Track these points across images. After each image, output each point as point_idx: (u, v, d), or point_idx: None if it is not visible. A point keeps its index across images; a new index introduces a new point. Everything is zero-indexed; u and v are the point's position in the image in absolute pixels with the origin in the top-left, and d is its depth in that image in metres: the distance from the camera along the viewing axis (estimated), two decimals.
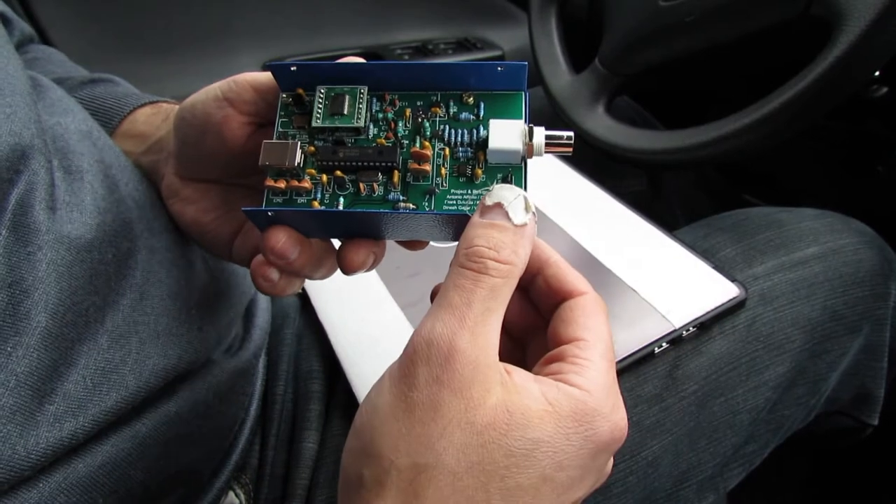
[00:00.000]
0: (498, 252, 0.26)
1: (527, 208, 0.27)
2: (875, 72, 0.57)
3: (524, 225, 0.27)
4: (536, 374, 0.27)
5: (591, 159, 0.67)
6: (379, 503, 0.24)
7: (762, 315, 0.50)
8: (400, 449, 0.24)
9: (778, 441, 0.55)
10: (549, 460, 0.25)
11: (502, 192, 0.27)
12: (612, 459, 0.30)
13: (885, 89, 0.63)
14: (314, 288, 0.56)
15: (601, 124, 0.66)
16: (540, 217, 0.59)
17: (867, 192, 0.77)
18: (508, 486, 0.24)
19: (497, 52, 1.07)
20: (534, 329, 0.33)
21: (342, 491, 0.27)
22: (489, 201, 0.27)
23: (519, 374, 0.26)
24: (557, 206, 0.61)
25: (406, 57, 1.04)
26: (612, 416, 0.26)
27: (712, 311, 0.48)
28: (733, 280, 0.50)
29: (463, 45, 1.08)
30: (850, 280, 0.54)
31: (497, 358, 0.26)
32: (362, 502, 0.25)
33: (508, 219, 0.27)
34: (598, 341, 0.28)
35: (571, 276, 0.31)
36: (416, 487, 0.24)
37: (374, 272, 0.56)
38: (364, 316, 0.54)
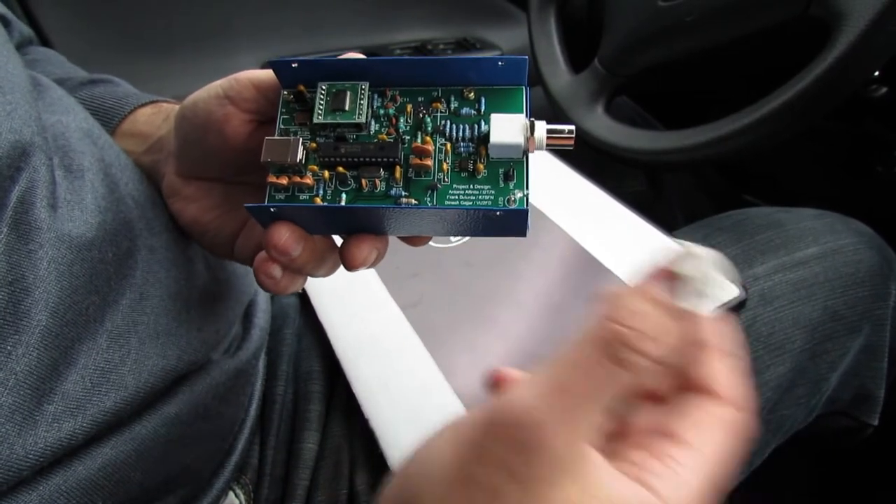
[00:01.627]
0: (654, 346, 0.21)
1: (710, 296, 0.21)
2: (874, 72, 0.57)
3: (703, 319, 0.21)
4: (619, 457, 0.23)
5: (591, 160, 0.67)
6: None
7: (762, 315, 0.50)
8: None
9: (778, 441, 0.55)
10: None
11: (693, 264, 0.21)
12: None
13: (884, 89, 0.63)
14: (314, 288, 0.56)
15: (601, 124, 0.66)
16: (539, 217, 0.59)
17: (867, 192, 0.77)
18: None
19: (496, 53, 1.08)
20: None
21: None
22: (675, 268, 0.21)
23: (601, 467, 0.22)
24: (557, 207, 0.61)
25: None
26: None
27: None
28: (733, 280, 0.50)
29: (462, 46, 1.08)
30: (850, 280, 0.54)
31: (583, 451, 0.21)
32: None
33: (683, 302, 0.21)
34: (706, 455, 0.22)
35: (717, 374, 0.24)
36: None
37: (374, 272, 0.56)
38: (364, 316, 0.54)
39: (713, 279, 0.20)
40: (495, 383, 0.29)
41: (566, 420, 0.20)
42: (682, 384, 0.24)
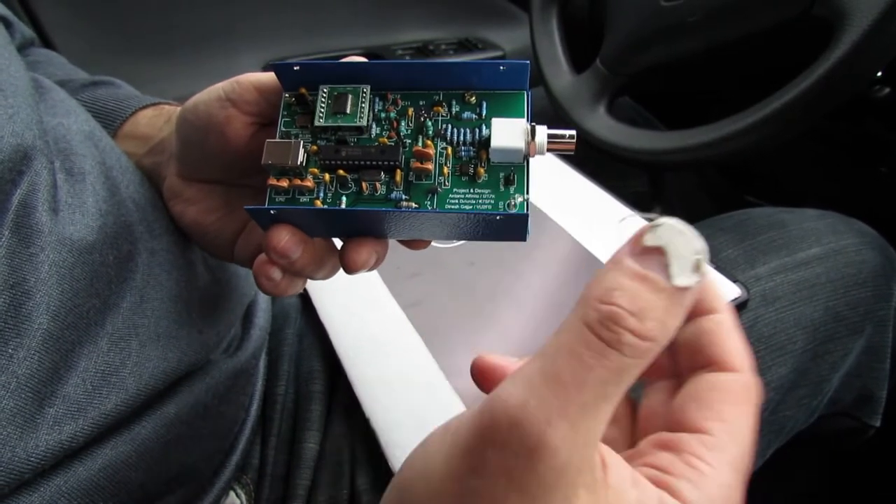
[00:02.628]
0: (642, 321, 0.19)
1: (697, 267, 0.19)
2: (877, 72, 0.57)
3: (687, 289, 0.20)
4: (640, 459, 0.22)
5: (593, 159, 0.67)
6: None
7: (764, 316, 0.50)
8: None
9: (780, 442, 0.55)
10: None
11: (671, 236, 0.20)
12: None
13: (887, 90, 0.63)
14: (315, 288, 0.56)
15: (602, 124, 0.66)
16: (541, 217, 0.59)
17: (869, 192, 0.77)
18: None
19: (498, 53, 1.07)
20: (660, 369, 0.25)
21: None
22: (650, 242, 0.20)
23: (616, 471, 0.20)
24: (558, 206, 0.61)
25: (407, 57, 1.04)
26: None
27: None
28: (735, 281, 0.50)
29: (464, 46, 1.08)
30: (852, 281, 0.54)
31: (596, 456, 0.20)
32: None
33: (669, 276, 0.19)
34: (731, 443, 0.21)
35: (729, 344, 0.23)
36: None
37: (375, 272, 0.56)
38: (365, 316, 0.54)
39: (691, 248, 0.19)
40: (481, 374, 0.28)
41: (566, 415, 0.18)
42: (689, 364, 0.24)
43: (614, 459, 0.20)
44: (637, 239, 0.20)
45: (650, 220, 0.20)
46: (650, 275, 0.19)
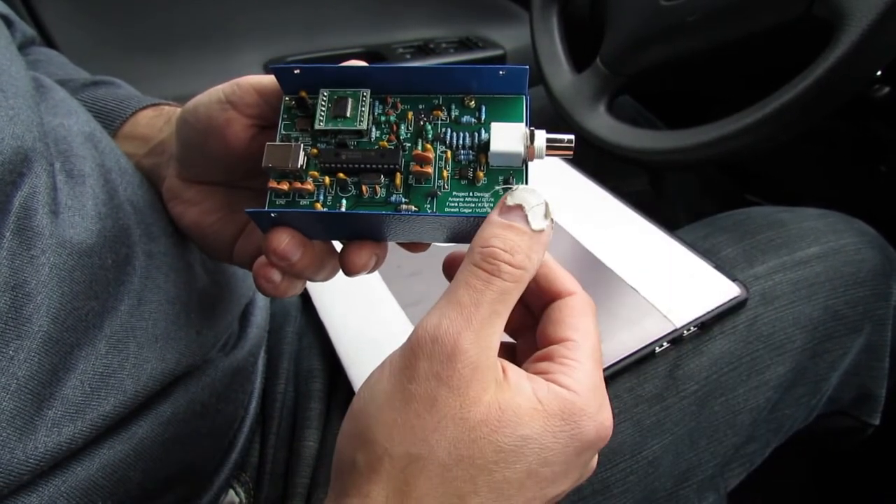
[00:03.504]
0: (513, 255, 0.26)
1: (546, 215, 0.27)
2: (877, 72, 0.56)
3: (542, 231, 0.27)
4: (527, 370, 0.28)
5: (593, 159, 0.67)
6: (371, 487, 0.25)
7: (763, 315, 0.50)
8: (394, 438, 0.25)
9: (779, 441, 0.55)
10: (536, 456, 0.26)
11: (524, 195, 0.27)
12: (596, 456, 0.31)
13: (886, 89, 0.63)
14: (315, 287, 0.57)
15: (603, 124, 0.66)
16: None
17: (869, 191, 0.77)
18: (495, 479, 0.25)
19: (499, 52, 1.07)
20: (524, 325, 0.34)
21: (335, 472, 0.27)
22: (510, 202, 0.27)
23: (513, 371, 0.27)
24: (558, 206, 0.61)
25: (408, 56, 1.04)
26: (598, 415, 0.27)
27: (713, 310, 0.48)
28: (734, 280, 0.50)
29: (465, 45, 1.08)
30: (851, 280, 0.54)
31: (496, 358, 0.27)
32: (355, 485, 0.26)
33: (527, 223, 0.27)
34: (585, 342, 0.29)
35: (561, 277, 0.31)
36: (407, 476, 0.25)
37: (375, 272, 0.56)
38: (365, 315, 0.54)
39: (545, 200, 0.27)
40: (450, 267, 0.34)
41: (470, 327, 0.25)
42: (544, 301, 0.31)
43: (510, 365, 0.27)
44: (502, 202, 0.27)
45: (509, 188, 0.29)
46: (514, 224, 0.27)
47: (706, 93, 0.91)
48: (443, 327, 0.25)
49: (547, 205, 0.27)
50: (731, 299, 0.49)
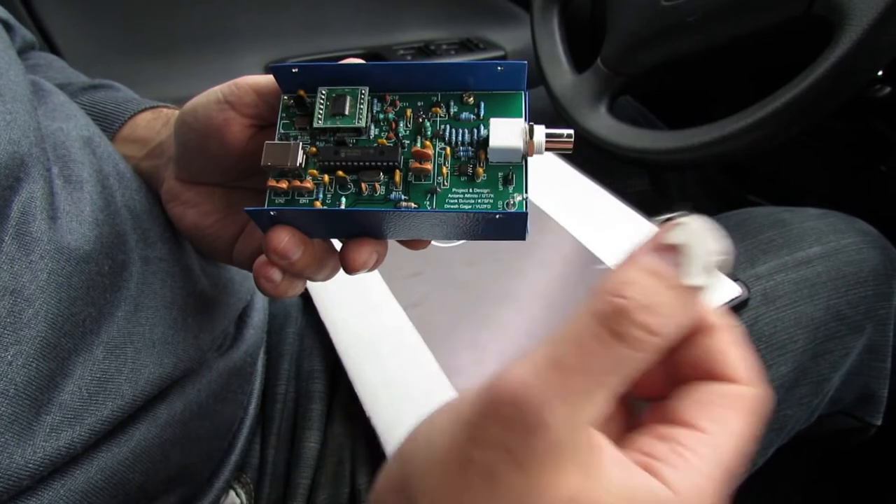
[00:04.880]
0: (651, 316, 0.19)
1: (708, 269, 0.20)
2: (878, 72, 0.56)
3: (700, 289, 0.20)
4: (632, 445, 0.22)
5: (594, 159, 0.67)
6: None
7: (765, 315, 0.50)
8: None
9: (781, 441, 0.55)
10: None
11: (690, 235, 0.20)
12: None
13: (887, 89, 0.63)
14: (316, 287, 0.57)
15: (603, 124, 0.66)
16: (542, 216, 0.59)
17: (870, 191, 0.77)
18: None
19: (499, 53, 1.07)
20: (652, 389, 0.26)
21: None
22: (669, 240, 0.20)
23: (606, 452, 0.21)
24: (559, 206, 0.61)
25: (408, 57, 1.04)
26: None
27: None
28: (736, 279, 0.50)
29: (465, 46, 1.08)
30: (853, 280, 0.53)
31: (589, 437, 0.20)
32: None
33: (682, 274, 0.20)
34: (725, 442, 0.21)
35: (735, 360, 0.23)
36: None
37: (376, 272, 0.56)
38: (366, 316, 0.54)
39: (710, 249, 0.19)
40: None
41: (566, 398, 0.19)
42: (690, 374, 0.23)
43: (605, 442, 0.21)
44: (659, 235, 0.20)
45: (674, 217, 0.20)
46: (663, 270, 0.20)
47: (707, 93, 0.92)
48: (531, 390, 0.19)
49: (719, 257, 0.20)
50: (733, 299, 0.49)
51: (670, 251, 0.20)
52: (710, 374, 0.23)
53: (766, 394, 0.23)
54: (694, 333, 0.23)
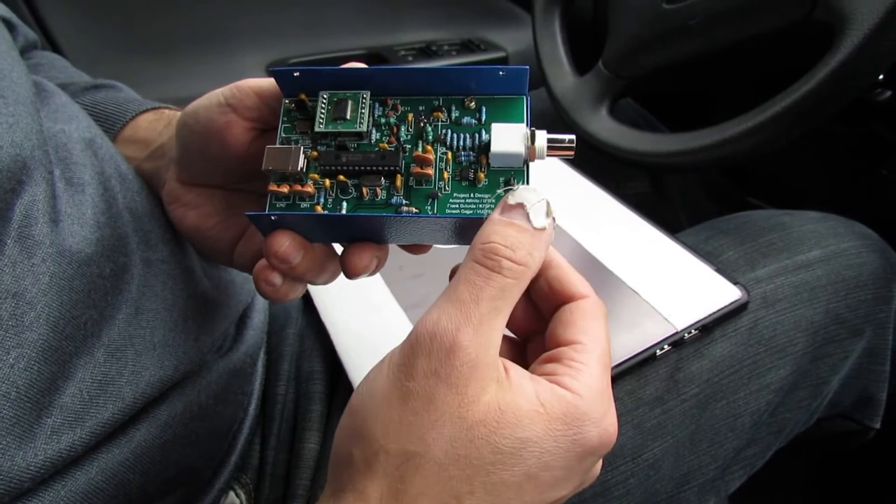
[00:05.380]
0: (514, 252, 0.26)
1: (548, 213, 0.27)
2: (879, 76, 0.56)
3: (543, 229, 0.27)
4: (533, 372, 0.28)
5: (594, 161, 0.67)
6: (366, 483, 0.25)
7: (764, 318, 0.50)
8: (391, 435, 0.25)
9: (780, 444, 0.55)
10: (535, 460, 0.25)
11: (525, 194, 0.27)
12: (600, 462, 0.30)
13: (888, 93, 0.63)
14: (317, 288, 0.57)
15: (604, 126, 0.66)
16: None
17: (871, 195, 0.77)
18: (493, 481, 0.25)
19: (501, 54, 1.07)
20: (534, 329, 0.33)
21: (332, 467, 0.27)
22: (512, 201, 0.27)
23: (516, 371, 0.27)
24: (560, 209, 0.61)
25: (410, 58, 1.04)
26: (602, 421, 0.27)
27: (714, 313, 0.48)
28: (735, 283, 0.50)
29: (467, 47, 1.08)
30: (852, 283, 0.54)
31: (497, 356, 0.26)
32: (350, 481, 0.26)
33: (528, 221, 0.27)
34: (595, 345, 0.29)
35: (573, 279, 0.31)
36: (402, 473, 0.25)
37: (376, 274, 0.56)
38: (367, 317, 0.54)
39: (546, 199, 0.27)
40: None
41: (469, 323, 0.25)
42: (555, 304, 0.31)
43: (513, 364, 0.27)
44: (503, 201, 0.27)
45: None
46: (515, 221, 0.27)
47: (708, 96, 0.92)
48: (441, 324, 0.25)
49: (548, 203, 0.27)
50: (732, 302, 0.49)
51: (515, 208, 0.27)
52: (563, 297, 0.30)
53: (599, 300, 0.31)
54: (543, 269, 0.30)
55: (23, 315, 0.29)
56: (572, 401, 0.26)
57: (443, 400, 0.25)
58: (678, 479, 0.48)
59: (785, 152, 0.58)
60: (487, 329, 0.25)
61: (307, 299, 0.57)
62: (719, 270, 0.51)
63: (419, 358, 0.25)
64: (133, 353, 0.34)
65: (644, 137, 0.62)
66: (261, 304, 0.50)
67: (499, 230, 0.27)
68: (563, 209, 0.61)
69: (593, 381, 0.27)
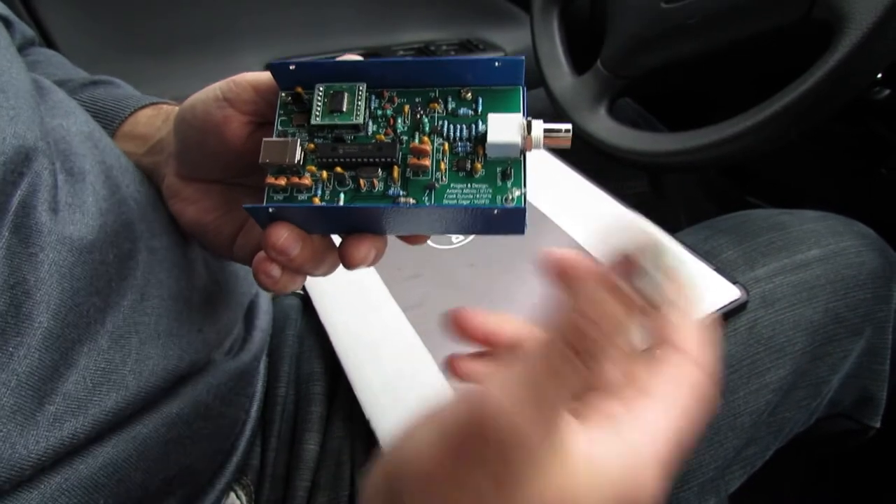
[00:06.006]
0: (615, 338, 0.20)
1: (656, 286, 0.20)
2: (877, 75, 0.57)
3: (659, 305, 0.20)
4: (588, 399, 0.24)
5: (593, 161, 0.67)
6: None
7: (763, 317, 0.50)
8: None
9: (779, 443, 0.55)
10: None
11: (661, 255, 0.20)
12: None
13: (887, 91, 0.63)
14: (316, 289, 0.56)
15: (603, 126, 0.66)
16: (541, 218, 0.59)
17: (869, 194, 0.77)
18: None
19: (499, 54, 1.08)
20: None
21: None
22: (642, 259, 0.20)
23: (574, 452, 0.22)
24: (559, 208, 0.61)
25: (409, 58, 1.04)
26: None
27: (713, 313, 0.48)
28: (735, 282, 0.50)
29: (465, 47, 1.08)
30: (851, 282, 0.53)
31: (559, 435, 0.22)
32: None
33: (651, 297, 0.20)
34: (668, 405, 0.24)
35: (689, 330, 0.25)
36: None
37: (375, 274, 0.56)
38: (366, 318, 0.54)
39: (671, 270, 0.20)
40: (454, 370, 0.30)
41: (539, 417, 0.20)
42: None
43: (569, 433, 0.22)
44: (622, 255, 0.21)
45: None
46: (627, 293, 0.20)
47: (707, 95, 0.92)
48: (511, 418, 0.20)
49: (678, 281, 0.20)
50: (732, 302, 0.49)
51: (636, 267, 0.20)
52: (667, 341, 0.25)
53: (712, 382, 0.24)
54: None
55: (21, 304, 0.29)
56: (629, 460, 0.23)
57: (493, 499, 0.21)
58: (678, 478, 0.48)
59: (784, 152, 0.58)
60: (556, 417, 0.21)
61: (306, 300, 0.57)
62: (718, 270, 0.51)
63: (472, 442, 0.21)
64: (137, 340, 0.34)
65: (643, 137, 0.62)
66: (266, 305, 0.50)
67: (606, 302, 0.20)
68: (562, 209, 0.61)
69: (652, 438, 0.23)
